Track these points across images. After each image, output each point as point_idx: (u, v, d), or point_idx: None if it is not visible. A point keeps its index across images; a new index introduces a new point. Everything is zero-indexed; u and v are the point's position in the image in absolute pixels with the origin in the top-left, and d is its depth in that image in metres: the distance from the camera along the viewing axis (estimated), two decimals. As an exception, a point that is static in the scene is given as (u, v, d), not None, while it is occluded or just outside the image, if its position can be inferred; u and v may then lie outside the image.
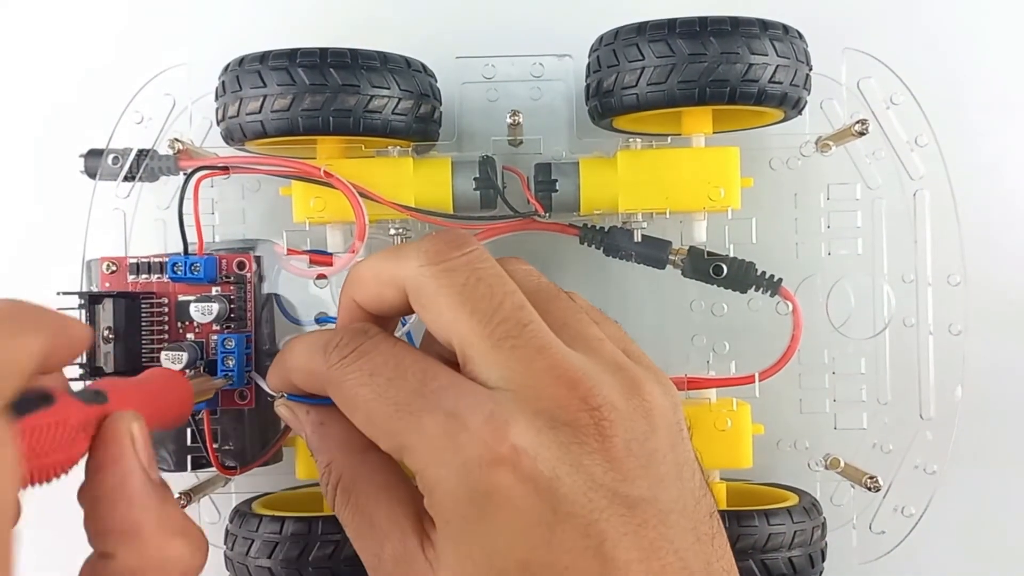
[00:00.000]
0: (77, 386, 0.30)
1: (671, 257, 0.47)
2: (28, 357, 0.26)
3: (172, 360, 0.42)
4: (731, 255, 0.47)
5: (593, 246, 0.48)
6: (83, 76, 0.54)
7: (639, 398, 0.32)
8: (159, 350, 0.43)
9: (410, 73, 0.45)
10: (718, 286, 0.47)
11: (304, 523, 0.44)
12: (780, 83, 0.44)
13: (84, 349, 0.30)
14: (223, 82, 0.45)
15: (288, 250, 0.46)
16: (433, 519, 0.31)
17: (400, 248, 0.34)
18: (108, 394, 0.30)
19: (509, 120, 0.47)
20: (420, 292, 0.33)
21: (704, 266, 0.47)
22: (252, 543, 0.44)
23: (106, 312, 0.43)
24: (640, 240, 0.47)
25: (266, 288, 0.45)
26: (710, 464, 0.47)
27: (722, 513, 0.44)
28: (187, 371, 0.42)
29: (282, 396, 0.37)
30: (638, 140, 0.46)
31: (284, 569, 0.43)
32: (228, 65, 0.45)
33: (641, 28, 0.44)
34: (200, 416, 0.44)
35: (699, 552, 0.31)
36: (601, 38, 0.46)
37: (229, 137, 0.46)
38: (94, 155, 0.46)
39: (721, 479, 0.48)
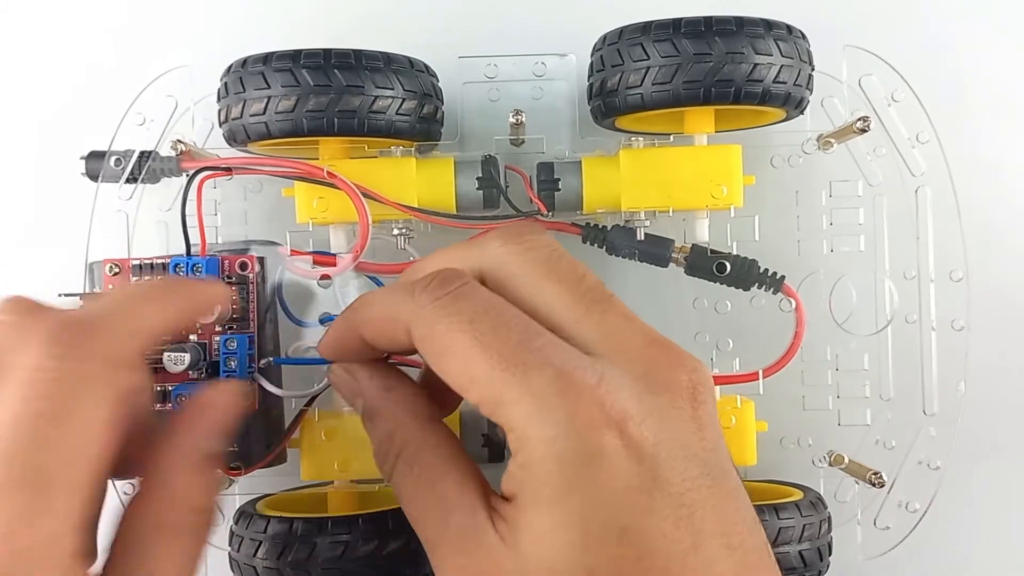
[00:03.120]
0: None
1: (674, 255, 0.47)
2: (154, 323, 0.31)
3: (174, 361, 0.42)
4: (734, 253, 0.47)
5: (596, 245, 0.48)
6: (84, 78, 0.53)
7: (704, 373, 0.32)
8: (161, 351, 0.43)
9: (413, 73, 0.45)
10: (721, 284, 0.47)
11: (313, 524, 0.44)
12: (784, 83, 0.44)
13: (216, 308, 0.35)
14: (226, 83, 0.45)
15: (291, 251, 0.46)
16: (520, 485, 0.30)
17: (473, 240, 0.35)
18: None
19: (511, 119, 0.47)
20: (501, 270, 0.33)
21: (707, 264, 0.47)
22: (260, 544, 0.44)
23: (108, 314, 0.43)
24: (643, 238, 0.47)
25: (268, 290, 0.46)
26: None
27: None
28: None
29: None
30: (640, 139, 0.46)
31: (293, 570, 0.43)
32: (231, 66, 0.45)
33: (646, 28, 0.44)
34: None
35: (758, 533, 0.31)
36: (605, 37, 0.46)
37: (232, 138, 0.46)
38: (95, 157, 0.46)
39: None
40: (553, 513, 0.29)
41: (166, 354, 0.42)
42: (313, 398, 0.45)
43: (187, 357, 0.42)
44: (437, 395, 0.36)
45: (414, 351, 0.33)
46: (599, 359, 0.30)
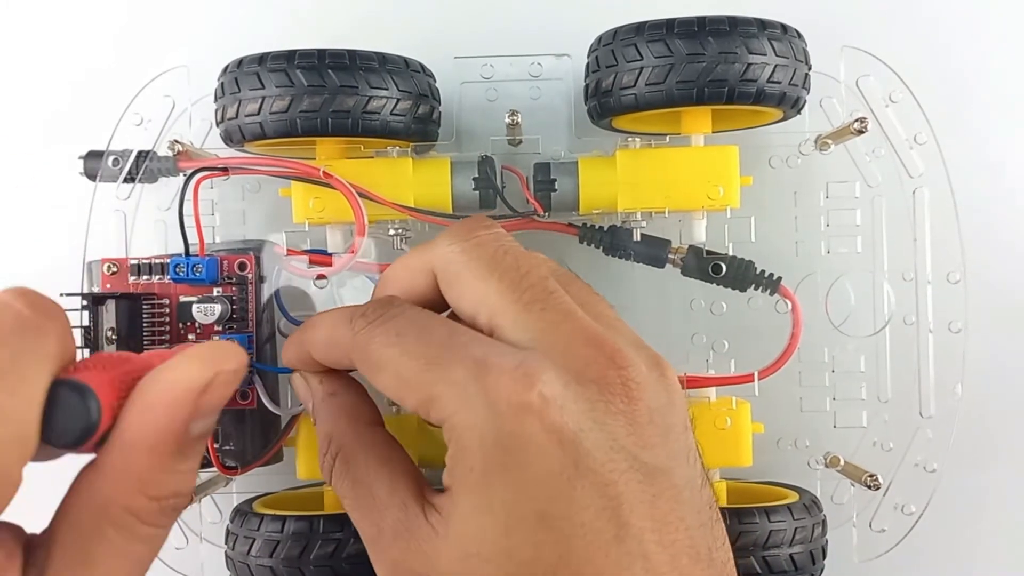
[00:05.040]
0: None
1: (670, 256, 0.47)
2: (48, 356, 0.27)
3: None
4: (730, 254, 0.47)
5: (592, 245, 0.48)
6: (82, 78, 0.54)
7: (659, 372, 0.32)
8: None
9: (409, 73, 0.45)
10: (717, 285, 0.47)
11: (306, 522, 0.44)
12: (779, 82, 0.44)
13: None
14: (222, 84, 0.45)
15: (288, 251, 0.46)
16: (451, 474, 0.30)
17: (428, 242, 0.35)
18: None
19: (508, 120, 0.47)
20: (448, 269, 0.33)
21: (703, 265, 0.47)
22: (254, 542, 0.44)
23: (109, 313, 0.43)
24: (639, 239, 0.47)
25: (267, 290, 0.46)
26: (710, 463, 0.47)
27: (723, 511, 0.44)
28: None
29: None
30: (637, 139, 0.46)
31: (286, 568, 0.44)
32: (227, 67, 0.45)
33: (640, 28, 0.44)
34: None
35: (704, 535, 0.31)
36: (600, 38, 0.46)
37: (228, 138, 0.46)
38: (93, 157, 0.47)
39: (721, 478, 0.48)
40: (477, 496, 0.30)
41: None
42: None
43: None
44: None
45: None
46: (528, 351, 0.31)
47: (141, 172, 0.46)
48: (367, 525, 0.33)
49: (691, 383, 0.47)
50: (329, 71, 0.43)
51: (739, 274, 0.47)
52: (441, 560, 0.30)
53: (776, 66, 0.44)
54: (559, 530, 0.29)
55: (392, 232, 0.47)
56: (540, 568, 0.29)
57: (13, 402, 0.25)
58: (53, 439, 0.26)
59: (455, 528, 0.30)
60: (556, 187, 0.46)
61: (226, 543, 0.46)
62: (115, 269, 0.44)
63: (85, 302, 0.43)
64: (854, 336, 0.49)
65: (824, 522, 0.47)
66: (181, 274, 0.43)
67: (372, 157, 0.47)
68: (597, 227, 0.48)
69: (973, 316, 0.48)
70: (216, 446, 0.45)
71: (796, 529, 0.45)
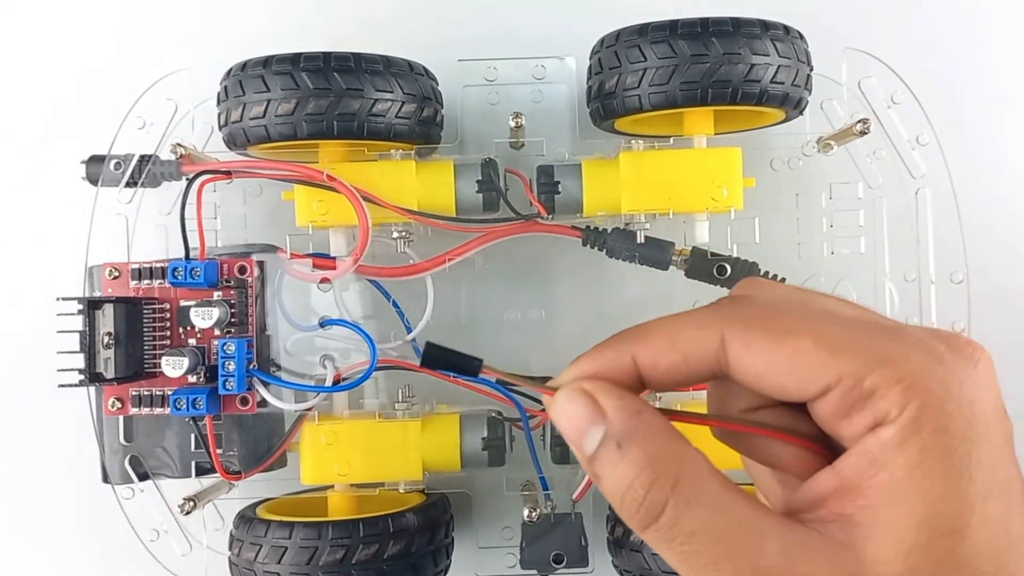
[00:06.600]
0: None
1: (674, 258, 0.47)
2: None
3: (173, 365, 0.42)
4: (734, 255, 0.47)
5: (596, 248, 0.48)
6: (84, 81, 0.54)
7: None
8: (161, 355, 0.43)
9: (413, 76, 0.45)
10: (721, 286, 0.47)
11: (314, 528, 0.44)
12: (782, 83, 0.44)
13: None
14: (225, 87, 0.45)
15: (291, 254, 0.46)
16: (895, 444, 0.25)
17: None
18: None
19: (511, 122, 0.47)
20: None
21: (707, 267, 0.47)
22: (260, 548, 0.44)
23: (105, 318, 0.43)
24: (643, 241, 0.47)
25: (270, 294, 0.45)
26: (718, 465, 0.47)
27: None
28: None
29: None
30: (640, 141, 0.46)
31: (294, 575, 0.43)
32: (230, 70, 0.45)
33: (643, 30, 0.44)
34: (203, 422, 0.44)
35: None
36: (603, 40, 0.46)
37: (232, 142, 0.46)
38: (95, 161, 0.46)
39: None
40: (943, 468, 0.25)
41: (164, 358, 0.42)
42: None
43: (185, 361, 0.42)
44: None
45: (704, 377, 0.29)
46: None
47: (143, 176, 0.46)
48: (741, 562, 0.26)
49: (696, 386, 0.47)
50: (335, 74, 0.43)
51: (743, 275, 0.47)
52: (877, 568, 0.26)
53: (779, 67, 0.44)
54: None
55: (395, 235, 0.47)
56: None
57: None
58: None
59: (887, 526, 0.26)
60: (559, 190, 0.46)
61: (230, 549, 0.46)
62: (117, 273, 0.44)
63: (81, 307, 0.43)
64: (858, 337, 0.49)
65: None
66: (179, 278, 0.43)
67: (375, 160, 0.46)
68: (600, 229, 0.48)
69: (976, 316, 0.48)
70: (218, 451, 0.44)
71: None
